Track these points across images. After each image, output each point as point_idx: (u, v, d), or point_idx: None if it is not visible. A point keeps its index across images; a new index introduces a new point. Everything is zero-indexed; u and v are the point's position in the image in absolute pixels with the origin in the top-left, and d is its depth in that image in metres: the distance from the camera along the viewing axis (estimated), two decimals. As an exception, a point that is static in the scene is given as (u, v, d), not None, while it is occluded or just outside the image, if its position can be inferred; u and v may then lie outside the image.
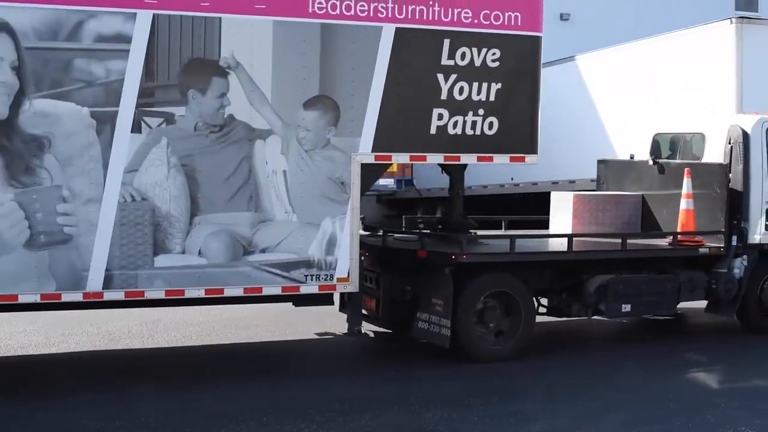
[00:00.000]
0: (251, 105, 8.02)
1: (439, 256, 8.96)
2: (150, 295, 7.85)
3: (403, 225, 10.25)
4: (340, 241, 8.33)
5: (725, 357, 9.83)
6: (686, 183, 10.34)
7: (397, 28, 8.41)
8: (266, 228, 8.15)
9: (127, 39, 7.63)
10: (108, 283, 7.69)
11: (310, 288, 8.31)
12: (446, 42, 8.58)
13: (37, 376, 8.49)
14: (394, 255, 9.28)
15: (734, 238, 10.42)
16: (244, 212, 8.08)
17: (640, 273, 9.97)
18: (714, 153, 10.86)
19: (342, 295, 8.90)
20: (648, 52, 14.58)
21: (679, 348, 10.08)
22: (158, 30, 7.70)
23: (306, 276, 8.26)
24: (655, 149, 11.68)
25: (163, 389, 7.90)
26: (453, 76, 8.63)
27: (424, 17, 8.49)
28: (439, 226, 10.13)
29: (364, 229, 9.69)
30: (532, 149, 8.98)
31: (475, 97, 8.70)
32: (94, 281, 7.65)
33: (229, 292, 8.08)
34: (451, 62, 8.61)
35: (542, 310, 9.97)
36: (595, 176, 12.24)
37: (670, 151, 11.72)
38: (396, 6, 8.40)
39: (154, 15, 7.68)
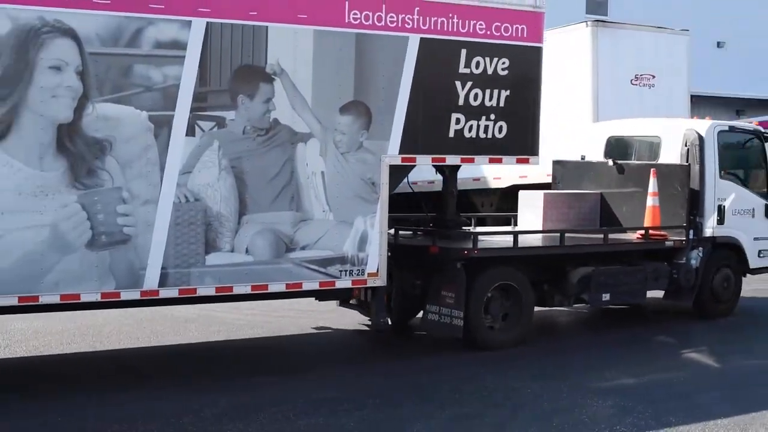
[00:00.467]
0: (294, 109, 8.44)
1: (451, 252, 9.60)
2: (201, 291, 8.17)
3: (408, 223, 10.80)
4: (371, 238, 8.85)
5: (603, 354, 9.86)
6: (652, 182, 11.31)
7: (421, 38, 8.98)
8: (306, 226, 8.58)
9: (182, 46, 7.92)
10: (163, 281, 7.96)
11: (344, 283, 8.80)
12: (463, 51, 9.21)
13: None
14: (405, 251, 9.83)
15: (691, 232, 11.48)
16: (287, 212, 8.49)
17: (612, 265, 10.85)
18: (669, 155, 11.91)
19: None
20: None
21: (567, 347, 10.24)
22: (211, 37, 8.01)
23: (341, 271, 8.75)
24: (610, 151, 12.65)
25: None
26: (469, 84, 9.27)
27: (445, 28, 9.10)
28: (430, 224, 10.72)
29: None
30: (535, 151, 9.73)
31: (487, 103, 9.37)
32: (151, 279, 7.91)
33: (273, 287, 8.48)
34: (467, 70, 9.25)
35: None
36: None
37: (626, 153, 12.71)
38: (421, 18, 8.96)
39: (207, 23, 7.99)
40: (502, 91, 9.45)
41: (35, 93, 7.38)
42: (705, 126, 11.87)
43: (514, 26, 9.46)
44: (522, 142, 9.64)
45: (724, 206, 11.74)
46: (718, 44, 30.88)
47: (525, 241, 10.32)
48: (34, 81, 7.37)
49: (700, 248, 11.62)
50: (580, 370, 8.96)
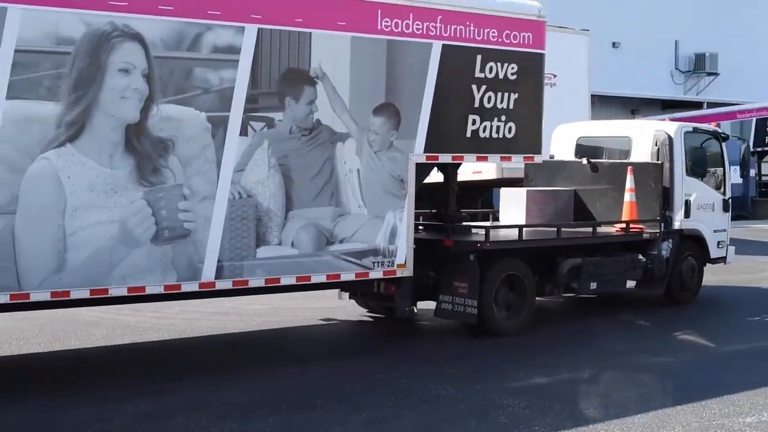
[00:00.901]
0: (333, 111, 8.98)
1: (465, 245, 10.29)
2: (253, 283, 8.63)
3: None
4: (400, 232, 9.46)
5: (517, 353, 9.85)
6: (629, 179, 12.22)
7: (443, 44, 9.64)
8: (343, 221, 9.13)
9: (236, 50, 8.38)
10: (219, 273, 8.40)
11: (377, 273, 9.39)
12: (479, 57, 9.91)
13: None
14: (420, 244, 10.44)
15: (662, 225, 12.45)
16: (327, 207, 9.03)
17: (595, 257, 11.69)
18: (640, 154, 12.87)
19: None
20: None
21: (482, 347, 10.08)
22: (262, 42, 8.49)
23: (374, 263, 9.33)
24: (581, 151, 13.54)
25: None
26: (483, 87, 9.97)
27: (463, 35, 9.78)
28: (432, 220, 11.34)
29: None
30: (539, 150, 10.50)
31: (498, 105, 10.09)
32: (208, 272, 8.34)
33: (315, 279, 9.00)
34: (482, 75, 9.95)
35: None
36: None
37: (596, 153, 13.61)
38: (443, 26, 9.62)
39: (259, 29, 8.47)
40: (511, 94, 10.17)
41: (106, 95, 7.72)
42: (673, 127, 12.87)
43: (522, 34, 10.20)
44: (528, 141, 10.39)
45: (690, 201, 12.75)
46: (614, 44, 32.35)
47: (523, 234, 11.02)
48: (105, 83, 7.72)
49: (670, 240, 12.58)
50: (496, 370, 8.90)
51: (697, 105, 35.71)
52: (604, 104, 28.97)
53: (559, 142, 13.74)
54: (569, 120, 14.13)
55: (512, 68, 10.15)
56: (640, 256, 12.25)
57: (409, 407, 7.54)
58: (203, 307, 11.01)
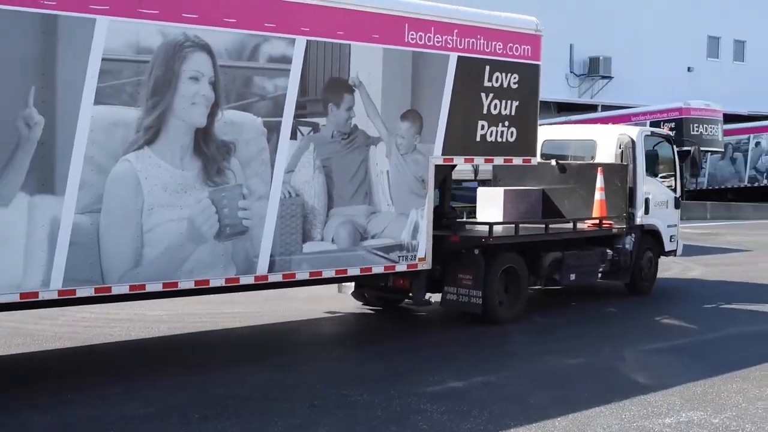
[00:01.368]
0: (368, 116, 9.73)
1: (471, 240, 11.18)
2: (299, 276, 9.32)
3: None
4: (421, 228, 10.29)
5: (429, 356, 9.75)
6: (599, 179, 13.33)
7: (458, 56, 10.49)
8: (375, 218, 9.90)
9: (288, 60, 9.05)
10: (271, 267, 9.06)
11: (401, 266, 10.19)
12: (487, 68, 10.81)
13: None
14: (428, 239, 11.27)
15: (627, 221, 13.63)
16: (361, 205, 9.78)
17: (570, 251, 12.73)
18: (604, 156, 14.02)
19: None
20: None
21: (391, 349, 10.03)
22: (309, 53, 9.18)
23: (399, 257, 10.13)
24: (547, 152, 14.61)
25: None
26: (491, 95, 10.87)
27: (475, 48, 10.65)
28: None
29: None
30: (535, 153, 11.48)
31: (503, 112, 11.01)
32: (262, 266, 8.99)
33: (351, 272, 9.75)
34: (490, 84, 10.85)
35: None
36: None
37: (562, 155, 14.69)
38: (458, 39, 10.48)
39: (307, 41, 9.15)
40: (513, 102, 11.11)
41: (179, 101, 8.29)
42: (635, 131, 14.08)
43: (522, 47, 11.15)
44: (526, 145, 11.35)
45: (649, 199, 13.98)
46: None
47: (511, 230, 11.95)
48: (178, 90, 8.28)
49: (633, 234, 13.77)
50: (410, 374, 8.77)
51: (592, 108, 37.62)
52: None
53: None
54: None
55: (514, 78, 11.08)
56: (608, 250, 13.37)
57: (325, 414, 7.33)
58: (104, 315, 10.71)
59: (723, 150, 31.70)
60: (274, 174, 9.00)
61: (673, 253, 14.94)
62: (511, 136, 11.14)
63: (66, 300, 7.91)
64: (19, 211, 7.49)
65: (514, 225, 11.78)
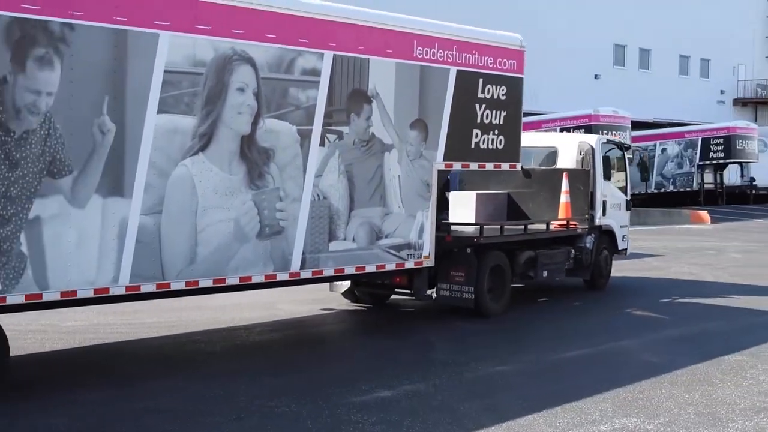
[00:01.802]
0: (383, 125, 10.55)
1: (463, 240, 12.10)
2: (326, 273, 10.06)
3: None
4: (426, 228, 11.15)
5: (354, 365, 9.67)
6: (565, 183, 14.41)
7: (457, 70, 11.41)
8: (388, 219, 10.72)
9: (318, 73, 9.80)
10: (303, 264, 9.79)
11: (410, 264, 11.03)
12: (480, 81, 11.75)
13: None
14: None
15: (588, 222, 14.79)
16: (377, 207, 10.58)
17: (537, 250, 13.76)
18: (565, 162, 15.15)
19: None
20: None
21: (313, 359, 9.86)
22: (335, 66, 9.96)
23: (408, 255, 10.97)
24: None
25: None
26: (483, 106, 11.82)
27: (471, 62, 11.58)
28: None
29: None
30: (519, 159, 12.49)
31: (493, 121, 11.97)
32: (295, 263, 9.72)
33: (368, 269, 10.54)
34: (483, 96, 11.80)
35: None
36: None
37: (525, 161, 15.72)
38: (457, 54, 11.39)
39: (334, 55, 9.93)
40: (502, 112, 12.08)
41: (228, 110, 8.96)
42: (594, 139, 15.28)
43: (509, 61, 12.14)
44: (512, 151, 12.33)
45: (606, 202, 15.17)
46: None
47: (493, 231, 12.89)
48: (227, 100, 8.95)
49: (592, 234, 14.92)
50: (337, 383, 8.57)
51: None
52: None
53: None
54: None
55: (503, 90, 12.05)
56: (572, 249, 14.48)
57: (252, 428, 7.20)
58: (14, 325, 9.71)
59: (631, 156, 33.45)
60: (305, 178, 9.72)
61: (624, 251, 16.18)
62: (500, 144, 12.10)
63: (132, 295, 8.48)
64: (93, 213, 8.05)
65: (499, 226, 12.70)
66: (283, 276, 9.64)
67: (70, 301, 8.08)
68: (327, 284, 12.34)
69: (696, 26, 48.80)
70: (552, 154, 15.42)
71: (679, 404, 8.07)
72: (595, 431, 7.27)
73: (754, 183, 41.18)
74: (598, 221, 15.00)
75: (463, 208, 14.21)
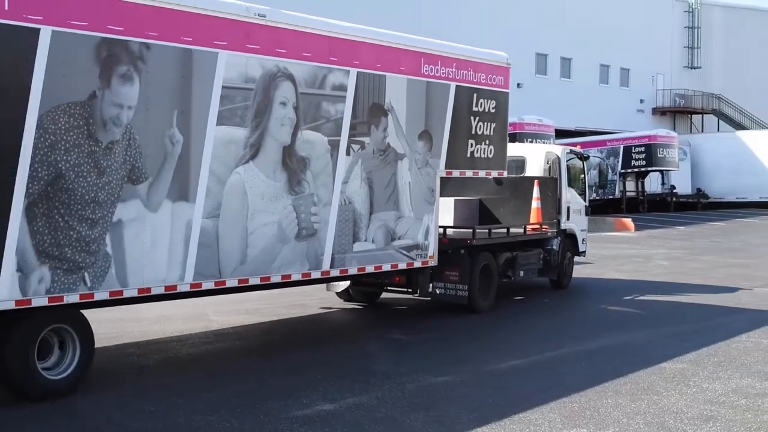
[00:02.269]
0: (397, 136, 11.52)
1: (457, 242, 13.14)
2: (350, 271, 10.97)
3: None
4: (431, 230, 12.16)
5: (293, 377, 9.27)
6: (536, 190, 15.60)
7: (456, 85, 12.46)
8: (401, 222, 11.69)
9: (344, 88, 10.71)
10: (332, 264, 10.68)
11: (417, 263, 12.02)
12: (475, 95, 12.83)
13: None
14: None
15: (556, 226, 16.03)
16: (392, 211, 11.54)
17: (516, 251, 14.92)
18: (533, 170, 16.36)
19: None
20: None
21: (249, 370, 9.60)
22: (358, 82, 10.90)
23: (416, 255, 11.96)
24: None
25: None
26: (477, 118, 12.90)
27: (467, 78, 12.65)
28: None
29: None
30: (505, 167, 13.62)
31: (485, 133, 13.07)
32: (326, 263, 10.61)
33: (384, 267, 11.48)
34: (477, 109, 12.89)
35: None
36: None
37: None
38: (456, 70, 12.45)
39: (357, 72, 10.87)
40: (492, 124, 13.18)
41: (273, 122, 9.81)
42: (559, 149, 16.53)
43: (497, 77, 13.26)
44: (500, 160, 13.45)
45: (569, 207, 16.43)
46: None
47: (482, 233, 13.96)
48: (272, 113, 9.80)
49: (559, 237, 16.15)
50: (274, 396, 8.30)
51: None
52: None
53: None
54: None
55: (492, 103, 13.16)
56: (542, 251, 15.68)
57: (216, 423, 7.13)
58: None
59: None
60: (335, 185, 10.62)
61: (583, 253, 17.46)
62: (490, 153, 13.20)
63: (194, 292, 9.25)
64: (164, 216, 8.80)
65: (487, 230, 13.80)
66: (316, 274, 10.51)
67: (144, 297, 8.79)
68: (254, 294, 12.24)
69: (616, 36, 50.58)
70: (521, 163, 16.58)
71: (627, 414, 7.90)
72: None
73: (674, 191, 43.22)
74: (563, 225, 16.21)
75: (444, 212, 15.26)
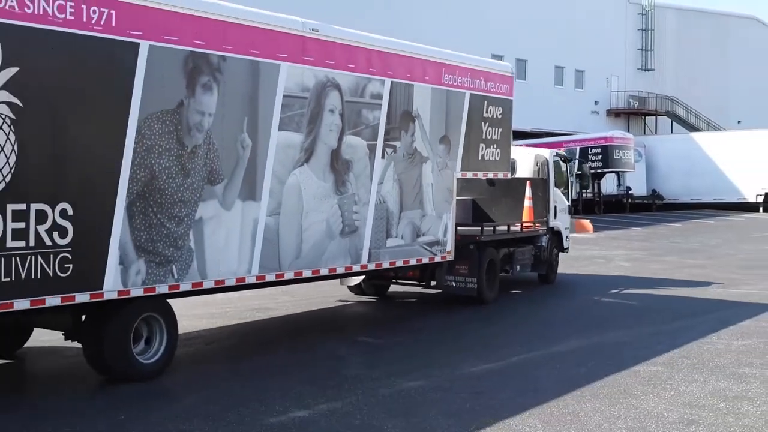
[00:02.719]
0: (422, 141, 12.49)
1: (467, 238, 14.17)
2: (384, 265, 11.92)
3: None
4: (449, 227, 13.16)
5: (262, 383, 8.98)
6: (528, 190, 16.71)
7: (470, 93, 13.49)
8: (425, 220, 12.67)
9: (380, 96, 11.65)
10: (369, 258, 11.61)
11: (437, 258, 13.01)
12: (485, 102, 13.88)
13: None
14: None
15: (546, 224, 17.16)
16: (418, 210, 12.50)
17: (512, 247, 16.00)
18: (523, 172, 17.47)
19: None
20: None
21: (221, 378, 9.25)
22: (392, 91, 11.85)
23: (437, 250, 12.95)
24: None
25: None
26: (487, 124, 13.94)
27: (479, 87, 13.68)
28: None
29: None
30: (509, 169, 14.70)
31: (494, 137, 14.12)
32: (364, 257, 11.53)
33: (411, 261, 12.45)
34: (487, 115, 13.93)
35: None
36: None
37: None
38: (470, 79, 13.47)
39: (391, 82, 11.82)
40: (498, 129, 14.24)
41: (323, 128, 10.71)
42: (548, 152, 17.66)
43: (504, 86, 14.32)
44: (505, 162, 14.52)
45: (556, 206, 17.58)
46: None
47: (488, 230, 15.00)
48: (323, 120, 10.70)
49: (547, 235, 17.29)
50: (248, 403, 8.08)
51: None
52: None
53: None
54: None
55: (499, 110, 14.21)
56: (533, 247, 16.79)
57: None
58: None
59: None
60: (372, 185, 11.54)
61: (567, 249, 18.63)
62: (498, 156, 14.25)
63: (259, 284, 10.10)
64: (236, 214, 9.65)
65: (492, 227, 14.84)
66: (356, 267, 11.43)
67: (219, 288, 9.63)
68: (219, 296, 12.44)
69: (570, 38, 51.35)
70: (512, 165, 17.64)
71: (607, 418, 7.75)
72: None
73: (630, 192, 44.38)
74: (551, 223, 17.34)
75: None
